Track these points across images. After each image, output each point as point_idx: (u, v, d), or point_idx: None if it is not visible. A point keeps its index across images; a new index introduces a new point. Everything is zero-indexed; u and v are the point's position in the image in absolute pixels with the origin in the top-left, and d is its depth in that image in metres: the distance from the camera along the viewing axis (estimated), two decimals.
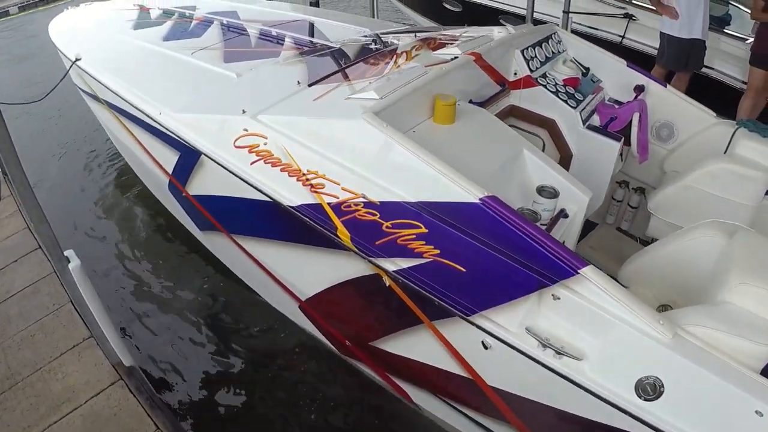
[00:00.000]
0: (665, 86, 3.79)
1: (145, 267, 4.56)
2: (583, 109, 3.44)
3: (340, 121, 2.56)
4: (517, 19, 7.26)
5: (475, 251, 2.14)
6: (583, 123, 3.39)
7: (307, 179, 2.57)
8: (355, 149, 2.48)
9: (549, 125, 3.50)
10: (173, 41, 4.43)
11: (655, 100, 3.75)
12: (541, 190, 2.53)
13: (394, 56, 3.56)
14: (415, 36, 4.12)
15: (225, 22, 4.75)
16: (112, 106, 4.13)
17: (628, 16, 6.66)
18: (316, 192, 2.53)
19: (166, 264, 4.57)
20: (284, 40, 4.23)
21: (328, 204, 2.47)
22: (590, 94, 3.65)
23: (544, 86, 3.48)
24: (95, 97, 4.55)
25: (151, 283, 4.37)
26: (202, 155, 3.07)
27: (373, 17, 8.04)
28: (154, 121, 3.40)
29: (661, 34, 5.58)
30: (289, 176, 2.63)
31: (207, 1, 5.67)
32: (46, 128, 7.47)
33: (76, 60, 4.40)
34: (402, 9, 9.32)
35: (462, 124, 2.79)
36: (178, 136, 3.22)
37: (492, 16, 7.55)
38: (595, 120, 3.55)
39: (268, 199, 2.72)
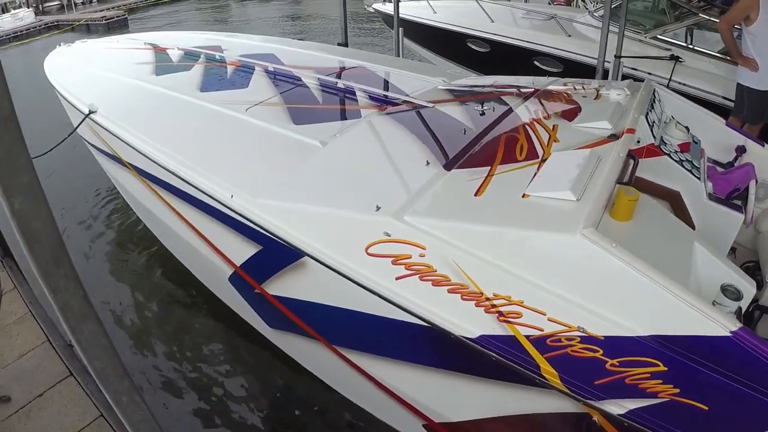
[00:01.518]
0: (763, 145, 3.45)
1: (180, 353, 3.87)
2: (704, 179, 3.04)
3: (545, 235, 2.03)
4: (555, 61, 6.86)
5: (722, 388, 1.80)
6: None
7: (494, 306, 2.04)
8: (568, 271, 1.98)
9: (673, 198, 3.04)
10: (214, 92, 3.83)
11: (753, 160, 3.37)
12: (725, 290, 2.11)
13: (526, 128, 3.03)
14: (505, 90, 3.61)
15: (270, 69, 4.16)
16: (145, 174, 3.48)
17: (675, 58, 6.28)
18: (507, 322, 2.02)
19: (208, 346, 3.89)
20: (355, 93, 3.64)
21: (527, 337, 1.99)
22: (699, 158, 3.25)
23: (668, 155, 3.02)
24: (115, 158, 3.91)
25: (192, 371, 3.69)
26: (305, 257, 2.42)
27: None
28: (223, 205, 2.75)
29: (739, 85, 5.18)
30: (464, 300, 2.08)
31: (232, 42, 5.11)
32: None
33: (90, 113, 3.78)
34: (420, 52, 8.80)
35: (638, 221, 2.25)
36: (264, 229, 2.58)
37: (522, 58, 7.10)
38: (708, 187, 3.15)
39: (423, 324, 2.12)
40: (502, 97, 3.52)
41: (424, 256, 2.14)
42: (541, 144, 2.79)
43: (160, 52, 4.90)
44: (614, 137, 2.78)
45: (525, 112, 3.24)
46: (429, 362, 2.33)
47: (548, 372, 1.98)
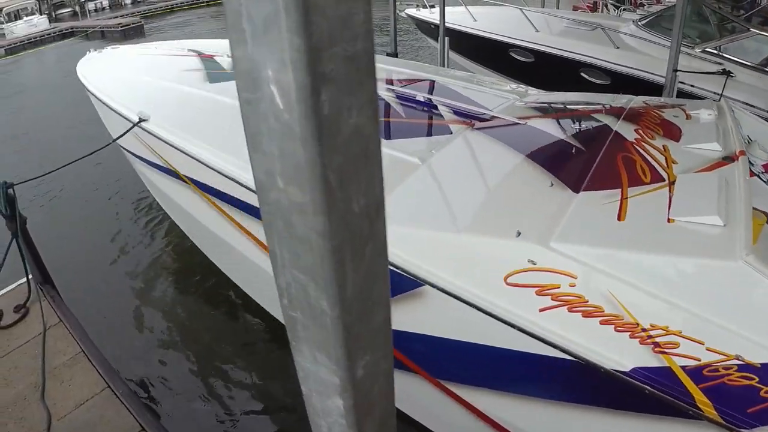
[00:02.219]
0: None
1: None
2: None
3: (704, 262, 2.00)
4: (602, 73, 6.68)
5: None
6: None
7: (650, 336, 1.93)
8: (728, 298, 1.94)
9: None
10: None
11: None
12: None
13: (636, 148, 2.87)
14: (592, 107, 3.43)
15: None
16: (210, 190, 3.23)
17: (726, 73, 6.08)
18: (663, 353, 1.91)
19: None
20: (437, 107, 3.44)
21: (683, 368, 1.91)
22: None
23: (758, 176, 2.88)
24: (168, 171, 3.66)
25: None
26: (425, 286, 2.19)
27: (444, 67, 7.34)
28: None
29: None
30: (617, 331, 1.95)
31: None
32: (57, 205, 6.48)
33: (141, 121, 3.55)
34: (458, 60, 8.62)
35: (762, 245, 2.13)
36: None
37: (568, 69, 6.91)
38: None
39: (569, 358, 1.92)
40: (593, 115, 3.35)
41: (574, 285, 2.01)
42: (661, 166, 2.71)
43: (207, 59, 4.70)
44: (729, 159, 2.72)
45: (626, 131, 3.10)
46: (568, 398, 2.12)
47: (702, 402, 1.89)
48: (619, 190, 2.41)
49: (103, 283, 4.86)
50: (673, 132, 3.10)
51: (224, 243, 3.39)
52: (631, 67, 6.49)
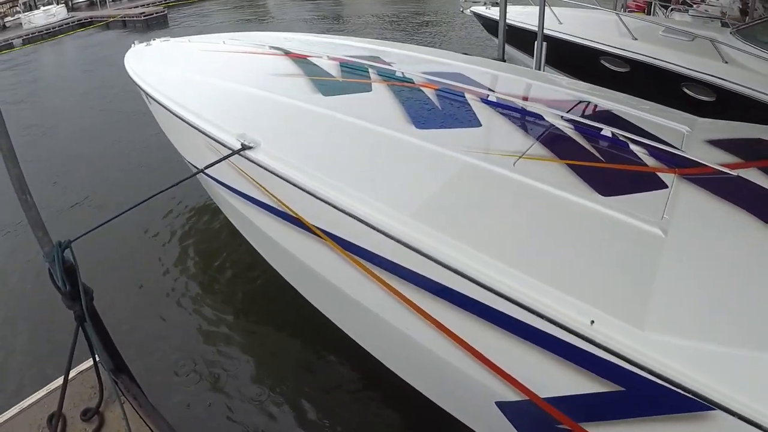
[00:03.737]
0: None
1: None
2: None
3: None
4: (707, 89, 6.08)
5: None
6: None
7: None
8: None
9: None
10: (436, 129, 2.98)
11: None
12: None
13: None
14: None
15: (489, 97, 3.36)
16: (357, 250, 2.55)
17: None
18: None
19: None
20: (628, 146, 2.86)
21: None
22: None
23: None
24: (285, 216, 2.92)
25: None
26: (716, 411, 1.68)
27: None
28: (574, 333, 1.91)
29: None
30: None
31: (388, 52, 4.33)
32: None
33: (245, 148, 2.88)
34: (530, 64, 8.00)
35: None
36: (648, 370, 1.78)
37: (669, 82, 6.33)
38: None
39: None
40: None
41: None
42: None
43: (300, 60, 4.06)
44: None
45: None
46: None
47: None
48: None
49: (180, 361, 3.86)
50: None
51: (379, 320, 2.65)
52: (743, 85, 5.91)
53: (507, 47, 8.92)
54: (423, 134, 2.90)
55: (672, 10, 12.93)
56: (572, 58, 7.21)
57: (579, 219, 2.31)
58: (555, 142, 2.87)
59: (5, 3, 26.91)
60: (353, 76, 3.67)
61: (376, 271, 2.47)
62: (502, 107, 3.25)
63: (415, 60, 4.14)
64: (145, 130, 7.69)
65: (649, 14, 11.73)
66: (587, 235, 2.24)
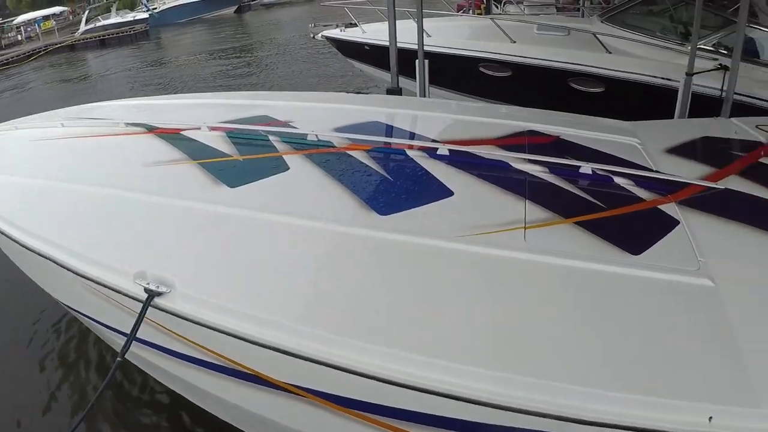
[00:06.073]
0: None
1: None
2: None
3: None
4: (595, 81, 5.93)
5: None
6: None
7: None
8: None
9: None
10: (405, 212, 2.24)
11: None
12: None
13: None
14: None
15: (433, 149, 2.69)
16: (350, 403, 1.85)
17: (724, 68, 5.62)
18: None
19: None
20: (612, 180, 2.52)
21: None
22: None
23: None
24: (242, 375, 2.02)
25: None
26: None
27: None
28: None
29: None
30: None
31: (274, 105, 3.54)
32: None
33: (155, 295, 1.96)
34: (410, 86, 7.45)
35: None
36: None
37: (554, 81, 6.11)
38: None
39: None
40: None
41: None
42: None
43: (174, 137, 3.02)
44: None
45: None
46: None
47: None
48: None
49: None
50: None
51: None
52: (632, 72, 5.85)
53: (369, 69, 8.42)
54: (393, 223, 2.15)
55: (505, 3, 13.24)
56: (450, 72, 6.80)
57: (630, 291, 1.93)
58: (546, 198, 2.33)
59: None
60: (254, 151, 2.79)
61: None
62: (458, 161, 2.58)
63: (311, 112, 3.38)
64: None
65: (488, 12, 11.79)
66: (648, 313, 1.86)
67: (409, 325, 1.82)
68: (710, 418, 1.60)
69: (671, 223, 2.25)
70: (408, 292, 1.93)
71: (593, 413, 1.57)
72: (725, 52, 5.73)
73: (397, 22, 5.95)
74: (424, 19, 6.60)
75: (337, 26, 8.40)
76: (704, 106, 5.05)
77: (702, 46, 5.86)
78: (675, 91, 5.31)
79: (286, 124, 3.11)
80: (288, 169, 2.58)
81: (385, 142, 2.79)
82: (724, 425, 1.59)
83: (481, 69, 6.58)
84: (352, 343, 1.75)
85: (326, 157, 2.68)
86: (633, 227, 2.29)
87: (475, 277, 1.98)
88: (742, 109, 4.79)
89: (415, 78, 6.36)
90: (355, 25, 8.00)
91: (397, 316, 1.85)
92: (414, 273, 1.99)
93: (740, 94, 5.04)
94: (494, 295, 1.92)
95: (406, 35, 6.30)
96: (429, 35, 6.79)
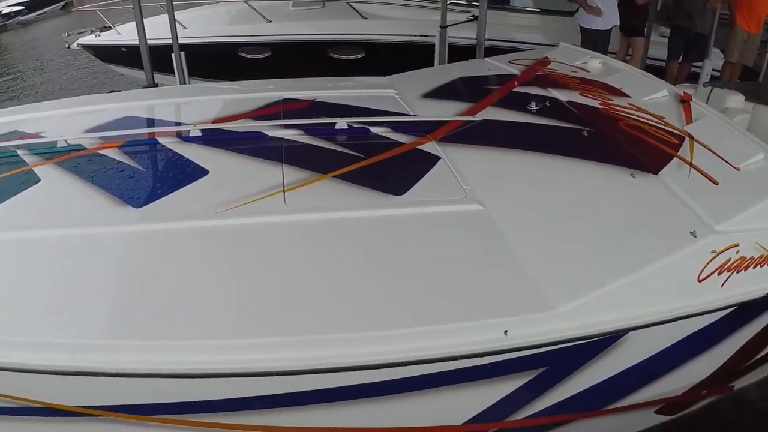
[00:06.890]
0: None
1: None
2: None
3: None
4: (354, 48, 6.25)
5: None
6: None
7: None
8: None
9: None
10: (161, 200, 2.20)
11: None
12: None
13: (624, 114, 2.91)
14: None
15: (184, 132, 2.72)
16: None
17: (476, 18, 6.23)
18: None
19: None
20: (369, 130, 2.74)
21: None
22: None
23: None
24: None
25: None
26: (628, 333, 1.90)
27: None
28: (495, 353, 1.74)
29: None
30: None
31: (24, 120, 3.15)
32: None
33: None
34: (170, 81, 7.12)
35: None
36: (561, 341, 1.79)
37: (314, 53, 6.30)
38: None
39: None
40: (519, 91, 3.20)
41: (738, 251, 2.06)
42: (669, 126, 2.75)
43: None
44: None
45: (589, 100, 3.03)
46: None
47: None
48: (674, 158, 2.47)
49: None
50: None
51: None
52: (390, 34, 6.24)
53: (130, 71, 7.83)
54: (150, 213, 2.11)
55: None
56: (210, 62, 6.62)
57: (402, 230, 2.06)
58: (302, 158, 2.45)
59: None
60: (3, 168, 2.53)
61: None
62: (211, 140, 2.62)
63: (64, 119, 3.10)
64: None
65: None
66: (425, 246, 2.01)
67: (177, 314, 1.76)
68: (506, 331, 1.72)
69: (432, 160, 2.42)
70: (173, 279, 1.89)
71: (389, 355, 1.63)
72: (477, 3, 6.30)
73: (152, 18, 5.68)
74: (180, 11, 6.39)
75: (92, 32, 7.70)
76: (465, 57, 5.50)
77: (455, 0, 6.43)
78: (434, 46, 5.73)
79: (36, 136, 2.82)
80: (39, 181, 2.36)
81: (137, 135, 2.68)
82: (524, 334, 1.73)
83: (241, 54, 6.57)
84: (130, 344, 1.67)
85: (77, 161, 2.50)
86: (394, 171, 2.42)
87: (239, 248, 1.99)
88: (499, 52, 5.30)
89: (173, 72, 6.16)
90: (110, 28, 7.39)
91: (164, 307, 1.78)
92: (177, 259, 1.96)
93: (494, 39, 5.57)
94: (261, 262, 1.94)
95: (162, 30, 6.01)
96: (185, 27, 6.56)
